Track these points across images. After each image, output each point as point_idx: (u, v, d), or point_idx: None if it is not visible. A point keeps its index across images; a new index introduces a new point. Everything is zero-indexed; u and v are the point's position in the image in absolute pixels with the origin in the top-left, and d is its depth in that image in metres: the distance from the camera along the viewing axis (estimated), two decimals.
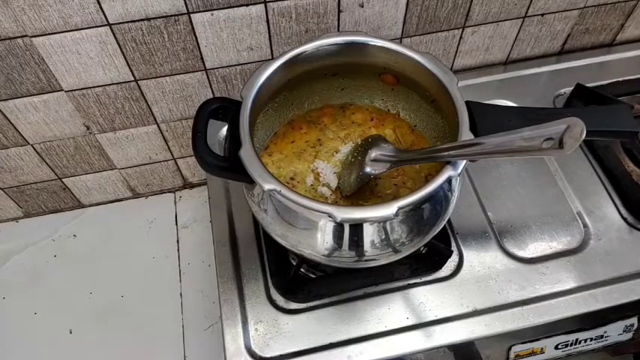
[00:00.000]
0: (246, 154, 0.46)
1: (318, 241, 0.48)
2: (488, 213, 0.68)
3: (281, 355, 0.58)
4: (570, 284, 0.62)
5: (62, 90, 0.67)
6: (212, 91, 0.74)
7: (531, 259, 0.64)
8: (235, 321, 0.60)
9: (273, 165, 0.58)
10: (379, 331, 0.59)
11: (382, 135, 0.58)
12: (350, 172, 0.55)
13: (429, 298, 0.61)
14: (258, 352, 0.58)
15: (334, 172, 0.57)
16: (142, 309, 0.78)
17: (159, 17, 0.61)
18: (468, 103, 0.50)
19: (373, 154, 0.53)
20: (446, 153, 0.45)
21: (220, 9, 0.62)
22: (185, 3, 0.61)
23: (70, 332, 0.77)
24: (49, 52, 0.61)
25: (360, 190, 0.55)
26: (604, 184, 0.70)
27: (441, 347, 0.59)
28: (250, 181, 0.47)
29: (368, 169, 0.53)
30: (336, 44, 0.54)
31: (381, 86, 0.61)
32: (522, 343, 0.63)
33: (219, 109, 0.51)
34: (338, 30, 0.70)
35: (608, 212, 0.67)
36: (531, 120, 0.45)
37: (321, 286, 0.62)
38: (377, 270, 0.61)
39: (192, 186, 0.91)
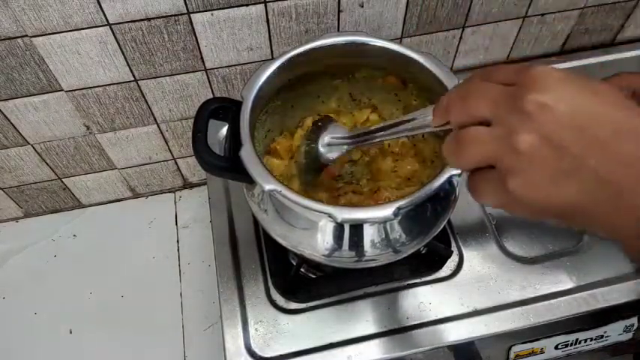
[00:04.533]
0: (247, 154, 0.46)
1: (318, 241, 0.48)
2: (489, 213, 0.68)
3: (281, 355, 0.58)
4: (570, 284, 0.62)
5: (62, 90, 0.67)
6: (212, 91, 0.74)
7: (531, 259, 0.64)
8: (235, 321, 0.60)
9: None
10: (379, 331, 0.59)
11: (329, 116, 0.56)
12: (307, 163, 0.54)
13: (429, 298, 0.61)
14: (258, 352, 0.58)
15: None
16: (142, 309, 0.78)
17: (159, 17, 0.61)
18: None
19: (326, 138, 0.52)
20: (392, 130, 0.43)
21: (220, 9, 0.62)
22: (185, 3, 0.61)
23: (70, 332, 0.77)
24: (49, 52, 0.61)
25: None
26: None
27: (441, 347, 0.59)
28: (250, 181, 0.47)
29: (325, 156, 0.52)
30: (336, 44, 0.54)
31: (380, 85, 0.60)
32: (522, 343, 0.63)
33: (219, 109, 0.51)
34: (338, 30, 0.70)
35: None
36: None
37: (321, 286, 0.62)
38: (377, 270, 0.61)
39: (192, 186, 0.91)
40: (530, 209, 0.30)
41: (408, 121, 0.41)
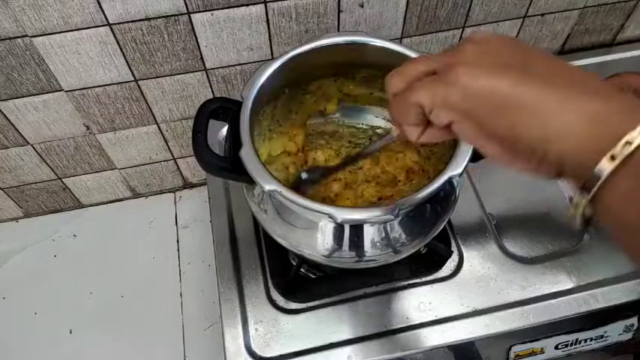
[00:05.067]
0: (247, 154, 0.46)
1: (318, 242, 0.48)
2: (488, 213, 0.68)
3: (281, 355, 0.58)
4: (570, 284, 0.62)
5: (62, 90, 0.67)
6: (212, 91, 0.74)
7: (531, 259, 0.65)
8: (235, 321, 0.60)
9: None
10: (379, 331, 0.59)
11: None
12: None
13: (429, 298, 0.61)
14: (258, 352, 0.58)
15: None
16: (142, 309, 0.78)
17: (159, 17, 0.61)
18: None
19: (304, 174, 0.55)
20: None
21: (220, 9, 0.62)
22: (185, 3, 0.61)
23: (70, 332, 0.77)
24: (49, 52, 0.61)
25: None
26: None
27: (441, 347, 0.59)
28: (250, 181, 0.47)
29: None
30: (336, 44, 0.54)
31: (379, 86, 0.60)
32: (522, 343, 0.63)
33: (219, 109, 0.51)
34: (338, 30, 0.70)
35: None
36: None
37: (321, 286, 0.62)
38: (377, 270, 0.61)
39: (192, 186, 0.91)
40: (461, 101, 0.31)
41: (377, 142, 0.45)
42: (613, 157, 0.26)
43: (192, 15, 0.62)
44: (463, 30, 0.76)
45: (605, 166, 0.26)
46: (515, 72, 0.29)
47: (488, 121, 0.30)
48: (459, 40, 0.78)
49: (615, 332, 0.65)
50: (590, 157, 0.27)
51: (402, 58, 0.53)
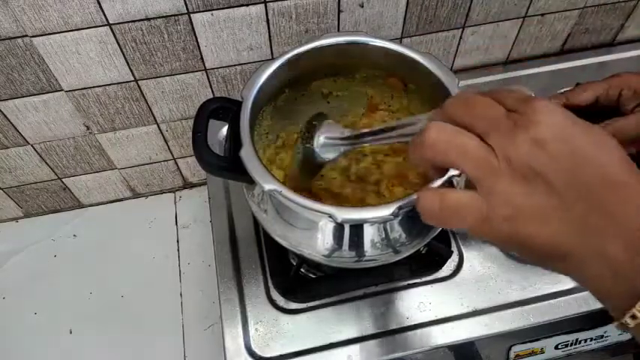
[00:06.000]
0: (247, 154, 0.46)
1: (318, 242, 0.48)
2: None
3: (281, 355, 0.58)
4: (570, 284, 0.62)
5: (62, 90, 0.67)
6: (212, 91, 0.74)
7: None
8: (235, 321, 0.60)
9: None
10: (379, 331, 0.59)
11: (323, 113, 0.53)
12: (304, 163, 0.52)
13: (429, 298, 0.61)
14: (258, 352, 0.58)
15: None
16: (142, 309, 0.78)
17: (159, 17, 0.61)
18: None
19: (321, 138, 0.50)
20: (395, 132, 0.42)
21: (220, 9, 0.62)
22: (185, 3, 0.61)
23: (70, 332, 0.77)
24: (49, 52, 0.61)
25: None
26: None
27: (441, 347, 0.59)
28: (250, 181, 0.47)
29: (322, 156, 0.50)
30: (336, 44, 0.54)
31: (380, 86, 0.60)
32: (522, 343, 0.63)
33: (219, 109, 0.51)
34: (338, 30, 0.70)
35: None
36: None
37: (321, 286, 0.62)
38: (377, 270, 0.61)
39: (192, 186, 0.92)
40: (507, 242, 0.30)
41: (405, 125, 0.40)
42: None
43: (192, 15, 0.62)
44: (463, 30, 0.76)
45: None
46: (557, 221, 0.28)
47: (527, 256, 0.30)
48: (460, 40, 0.78)
49: (615, 332, 0.65)
50: None
51: (402, 58, 0.53)
